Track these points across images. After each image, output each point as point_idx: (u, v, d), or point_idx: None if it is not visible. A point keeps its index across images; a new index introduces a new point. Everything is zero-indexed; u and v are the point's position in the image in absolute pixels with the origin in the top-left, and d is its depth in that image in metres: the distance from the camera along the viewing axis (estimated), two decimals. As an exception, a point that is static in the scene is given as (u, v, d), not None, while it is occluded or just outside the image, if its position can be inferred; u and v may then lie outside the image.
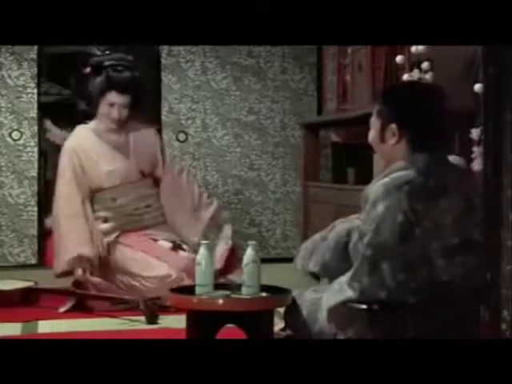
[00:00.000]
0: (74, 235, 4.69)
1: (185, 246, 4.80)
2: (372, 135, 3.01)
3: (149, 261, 4.66)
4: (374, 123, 3.00)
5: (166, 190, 4.97)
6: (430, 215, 2.76)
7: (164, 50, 6.17)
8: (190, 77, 6.18)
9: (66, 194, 4.78)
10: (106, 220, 4.82)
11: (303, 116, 6.24)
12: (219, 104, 6.18)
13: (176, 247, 4.76)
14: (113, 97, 4.78)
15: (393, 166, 2.88)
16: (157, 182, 5.02)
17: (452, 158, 2.97)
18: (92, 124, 4.93)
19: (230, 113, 6.20)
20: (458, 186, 2.84)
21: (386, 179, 2.83)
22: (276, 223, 6.29)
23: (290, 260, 6.00)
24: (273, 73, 6.27)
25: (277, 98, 6.27)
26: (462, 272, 2.77)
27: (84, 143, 4.88)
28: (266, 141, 6.26)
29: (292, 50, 6.24)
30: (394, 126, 2.90)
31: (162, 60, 6.22)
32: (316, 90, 6.32)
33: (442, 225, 2.77)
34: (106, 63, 4.82)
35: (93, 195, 4.84)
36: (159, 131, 5.78)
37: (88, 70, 4.86)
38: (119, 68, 4.82)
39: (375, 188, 2.84)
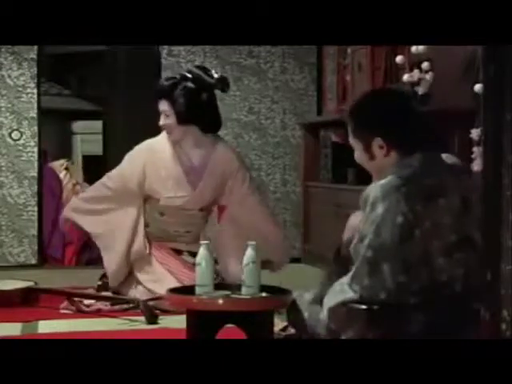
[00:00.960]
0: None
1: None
2: (358, 155, 2.96)
3: (161, 274, 4.56)
4: (356, 144, 2.95)
5: (226, 225, 4.66)
6: (429, 215, 2.76)
7: (164, 50, 6.16)
8: (190, 77, 6.17)
9: (106, 181, 4.71)
10: (146, 225, 4.68)
11: (303, 116, 6.24)
12: (219, 104, 6.18)
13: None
14: (158, 104, 4.61)
15: (389, 168, 2.87)
16: (209, 210, 4.76)
17: (445, 157, 2.96)
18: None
19: (230, 113, 6.19)
20: (454, 184, 2.83)
21: (384, 180, 2.82)
22: (276, 223, 6.28)
23: (289, 260, 6.05)
24: (273, 73, 6.27)
25: (277, 98, 6.27)
26: (462, 272, 2.77)
27: (156, 157, 4.65)
28: (266, 141, 6.26)
29: (292, 49, 6.24)
30: (378, 139, 2.88)
31: (162, 60, 6.22)
32: (316, 90, 6.32)
33: (441, 224, 2.77)
34: None
35: (147, 197, 4.67)
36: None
37: None
38: (169, 76, 4.68)
39: (374, 189, 2.83)
